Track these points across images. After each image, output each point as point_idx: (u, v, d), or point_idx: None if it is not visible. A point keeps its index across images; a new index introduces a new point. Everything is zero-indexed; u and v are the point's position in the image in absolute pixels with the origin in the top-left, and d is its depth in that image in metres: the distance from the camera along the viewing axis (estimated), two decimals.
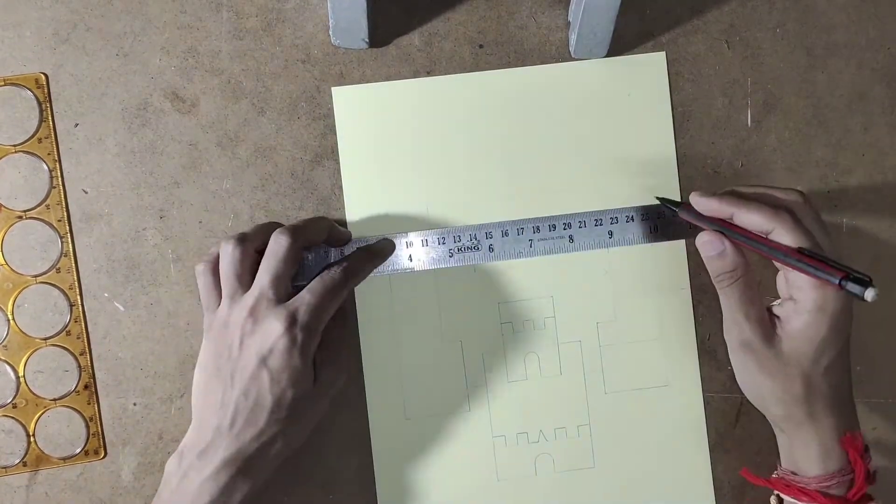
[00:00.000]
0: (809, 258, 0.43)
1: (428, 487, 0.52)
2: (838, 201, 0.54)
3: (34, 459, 0.51)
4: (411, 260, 0.51)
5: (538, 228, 0.51)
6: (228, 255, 0.47)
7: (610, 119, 0.53)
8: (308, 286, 0.47)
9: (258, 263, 0.47)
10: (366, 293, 0.52)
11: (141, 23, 0.51)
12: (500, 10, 0.53)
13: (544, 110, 0.53)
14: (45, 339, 0.51)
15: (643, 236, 0.52)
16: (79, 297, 0.51)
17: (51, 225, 0.51)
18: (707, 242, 0.47)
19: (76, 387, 0.51)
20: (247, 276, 0.47)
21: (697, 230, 0.48)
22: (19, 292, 0.51)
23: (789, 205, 0.46)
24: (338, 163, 0.52)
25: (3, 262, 0.51)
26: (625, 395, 0.53)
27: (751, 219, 0.45)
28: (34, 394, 0.51)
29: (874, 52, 0.54)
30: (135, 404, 0.51)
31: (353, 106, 0.52)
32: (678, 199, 0.53)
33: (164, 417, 0.51)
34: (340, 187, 0.52)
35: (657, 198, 0.51)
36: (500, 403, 0.53)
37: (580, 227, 0.51)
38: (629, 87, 0.53)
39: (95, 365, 0.51)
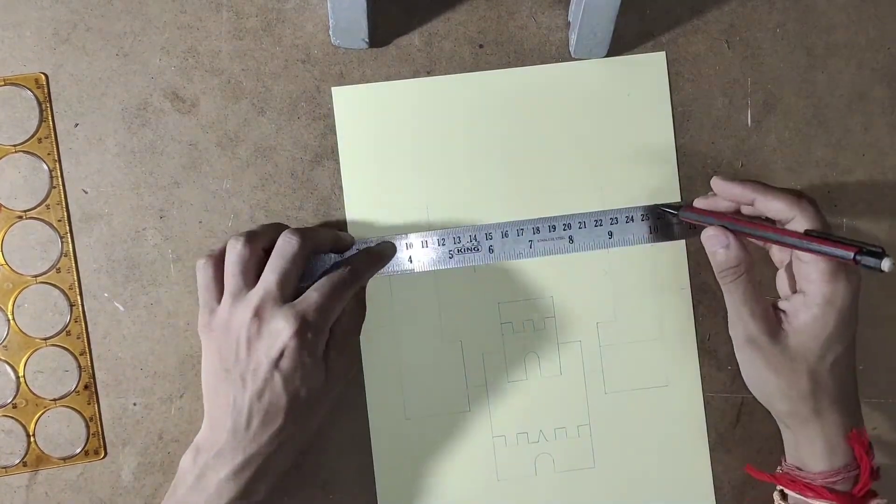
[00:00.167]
0: (820, 239, 0.43)
1: (428, 487, 0.52)
2: (838, 201, 0.54)
3: (34, 459, 0.51)
4: (411, 261, 0.51)
5: (538, 229, 0.51)
6: (237, 251, 0.46)
7: (610, 119, 0.53)
8: (315, 285, 0.46)
9: (264, 263, 0.46)
10: (366, 293, 0.52)
11: (141, 23, 0.51)
12: (500, 10, 0.53)
13: (544, 110, 0.53)
14: (45, 339, 0.51)
15: (643, 237, 0.52)
16: (79, 297, 0.51)
17: (51, 225, 0.51)
18: (712, 237, 0.47)
19: (76, 387, 0.51)
20: (252, 275, 0.46)
21: (697, 230, 0.48)
22: (19, 292, 0.51)
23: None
24: (338, 163, 0.52)
25: (3, 262, 0.51)
26: (625, 395, 0.53)
27: (773, 205, 0.45)
28: (34, 394, 0.51)
29: (874, 52, 0.54)
30: (135, 404, 0.51)
31: (353, 106, 0.52)
32: (678, 199, 0.53)
33: (164, 417, 0.51)
34: (340, 187, 0.52)
35: (656, 206, 0.51)
36: (500, 403, 0.53)
37: (580, 228, 0.51)
38: (629, 87, 0.53)
39: (95, 365, 0.51)
